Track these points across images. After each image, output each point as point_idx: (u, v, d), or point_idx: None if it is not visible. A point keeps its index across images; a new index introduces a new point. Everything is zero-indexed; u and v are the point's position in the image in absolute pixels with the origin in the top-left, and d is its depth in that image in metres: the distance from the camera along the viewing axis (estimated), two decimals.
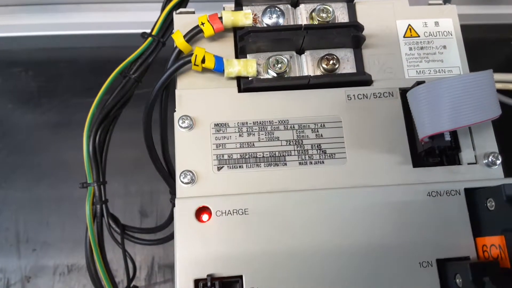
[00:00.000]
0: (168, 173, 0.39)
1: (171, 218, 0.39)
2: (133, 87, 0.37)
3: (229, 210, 0.31)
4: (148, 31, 0.37)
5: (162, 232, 0.40)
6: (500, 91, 0.47)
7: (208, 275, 0.29)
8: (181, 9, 0.36)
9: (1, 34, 0.58)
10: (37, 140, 0.55)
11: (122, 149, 0.43)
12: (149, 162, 0.40)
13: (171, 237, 0.37)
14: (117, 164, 0.42)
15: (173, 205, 0.32)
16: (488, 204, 0.30)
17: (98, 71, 0.41)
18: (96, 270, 0.35)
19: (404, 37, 0.36)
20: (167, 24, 0.37)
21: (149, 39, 0.36)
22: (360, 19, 0.36)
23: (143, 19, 0.57)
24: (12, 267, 0.50)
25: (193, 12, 0.36)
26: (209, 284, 0.29)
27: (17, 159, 0.54)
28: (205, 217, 0.30)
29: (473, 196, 0.32)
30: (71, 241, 0.51)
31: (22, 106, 0.57)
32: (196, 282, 0.29)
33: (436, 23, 0.36)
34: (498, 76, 0.52)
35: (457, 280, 0.28)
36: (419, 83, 0.32)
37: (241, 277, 0.29)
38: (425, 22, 0.36)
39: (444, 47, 0.36)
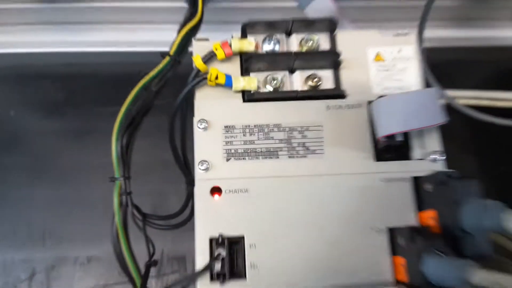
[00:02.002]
0: (185, 166, 0.40)
1: (185, 205, 0.40)
2: (153, 99, 0.38)
3: (235, 189, 0.34)
4: (165, 49, 0.38)
5: (176, 220, 0.40)
6: (474, 107, 0.47)
7: (219, 235, 0.33)
8: (198, 36, 0.37)
9: (32, 49, 0.58)
10: (61, 146, 0.55)
11: (134, 155, 0.40)
12: (158, 166, 0.46)
13: (183, 223, 0.39)
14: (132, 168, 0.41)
15: (188, 191, 0.37)
16: (427, 186, 0.33)
17: (118, 85, 0.40)
18: (121, 250, 0.36)
19: (373, 61, 0.38)
20: (182, 45, 0.38)
21: (167, 58, 0.38)
22: (339, 47, 0.38)
23: (158, 38, 0.55)
24: (38, 258, 0.50)
25: (208, 40, 0.37)
26: (220, 240, 0.32)
27: (44, 163, 0.54)
28: (217, 195, 0.34)
29: (417, 182, 0.34)
30: (90, 235, 0.50)
31: (49, 116, 0.56)
32: (210, 240, 0.32)
33: (399, 50, 0.38)
34: (473, 93, 0.52)
35: (399, 238, 0.32)
36: (380, 97, 0.35)
37: (243, 237, 0.33)
38: (391, 50, 0.38)
39: (405, 69, 0.38)
